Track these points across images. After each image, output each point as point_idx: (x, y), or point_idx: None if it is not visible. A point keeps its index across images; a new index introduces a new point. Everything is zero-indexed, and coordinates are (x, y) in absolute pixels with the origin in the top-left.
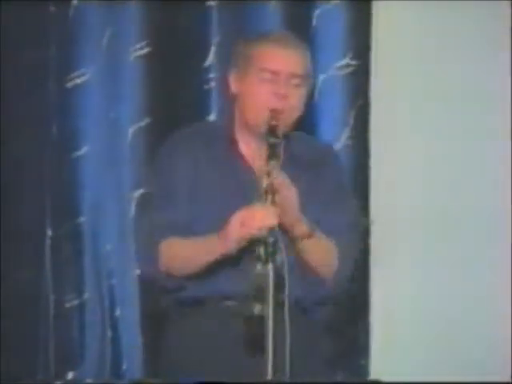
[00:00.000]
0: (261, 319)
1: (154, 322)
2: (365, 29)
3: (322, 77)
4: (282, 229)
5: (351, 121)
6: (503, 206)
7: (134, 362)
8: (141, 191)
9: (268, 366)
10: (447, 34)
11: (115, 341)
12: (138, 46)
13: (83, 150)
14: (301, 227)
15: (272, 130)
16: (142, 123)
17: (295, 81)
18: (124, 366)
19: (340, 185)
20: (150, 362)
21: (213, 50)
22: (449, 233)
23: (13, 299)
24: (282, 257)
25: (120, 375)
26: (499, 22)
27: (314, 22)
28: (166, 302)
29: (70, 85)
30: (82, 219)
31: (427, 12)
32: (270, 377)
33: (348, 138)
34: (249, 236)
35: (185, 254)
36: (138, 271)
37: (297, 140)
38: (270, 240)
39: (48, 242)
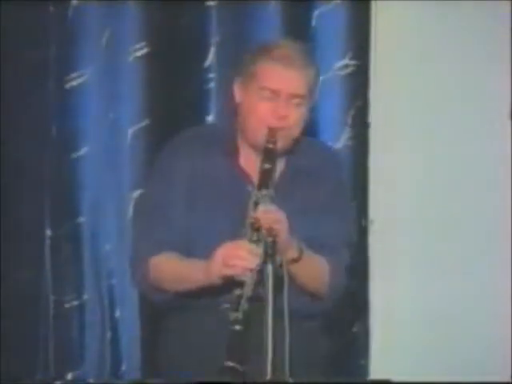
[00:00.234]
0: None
1: (154, 322)
2: (364, 29)
3: (321, 77)
4: None
5: (351, 121)
6: (503, 205)
7: (133, 362)
8: (140, 191)
9: (268, 365)
10: (447, 34)
11: (115, 341)
12: (137, 46)
13: (83, 151)
14: (288, 253)
15: (267, 154)
16: (142, 124)
17: (296, 100)
18: (123, 367)
19: (338, 196)
20: (149, 363)
21: (212, 50)
22: (448, 232)
23: (12, 299)
24: (280, 258)
25: (119, 375)
26: (499, 22)
27: (314, 22)
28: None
29: (69, 85)
30: (82, 219)
31: (427, 12)
32: (269, 377)
33: (347, 138)
34: (230, 275)
35: (171, 275)
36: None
37: (302, 149)
38: (270, 240)
39: (47, 242)
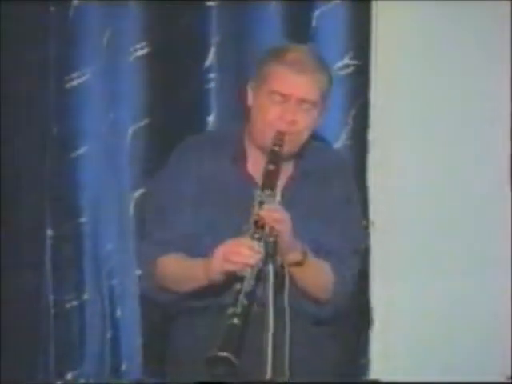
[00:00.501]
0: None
1: (154, 322)
2: (364, 29)
3: None
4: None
5: (351, 121)
6: (503, 206)
7: (133, 362)
8: (141, 191)
9: (268, 365)
10: (447, 34)
11: (115, 340)
12: (137, 46)
13: (83, 150)
14: (291, 255)
15: (272, 156)
16: (142, 123)
17: (306, 106)
18: (124, 366)
19: (347, 201)
20: (149, 362)
21: (212, 50)
22: (449, 233)
23: (13, 299)
24: (280, 259)
25: (120, 375)
26: (499, 22)
27: (314, 22)
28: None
29: (69, 85)
30: (83, 219)
31: (427, 12)
32: (269, 377)
33: (347, 138)
34: (231, 271)
35: (175, 275)
36: (138, 271)
37: (310, 153)
38: (271, 240)
39: (48, 241)
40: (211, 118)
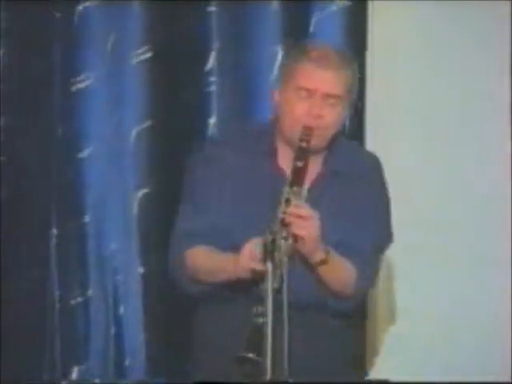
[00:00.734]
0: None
1: (157, 318)
2: (361, 34)
3: None
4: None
5: (347, 122)
6: (503, 205)
7: (136, 357)
8: (144, 191)
9: (267, 365)
10: (446, 35)
11: (119, 336)
12: (140, 50)
13: (88, 151)
14: (317, 254)
15: (300, 152)
16: (145, 125)
17: (331, 101)
18: (127, 361)
19: (374, 201)
20: (152, 358)
21: (213, 54)
22: (449, 233)
23: (20, 295)
24: (280, 257)
25: (123, 370)
26: (499, 22)
27: (312, 27)
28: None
29: (75, 88)
30: (87, 218)
31: (426, 12)
32: (269, 376)
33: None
34: (257, 270)
35: (206, 267)
36: (141, 269)
37: (340, 151)
38: (270, 238)
39: (54, 240)
40: (212, 120)
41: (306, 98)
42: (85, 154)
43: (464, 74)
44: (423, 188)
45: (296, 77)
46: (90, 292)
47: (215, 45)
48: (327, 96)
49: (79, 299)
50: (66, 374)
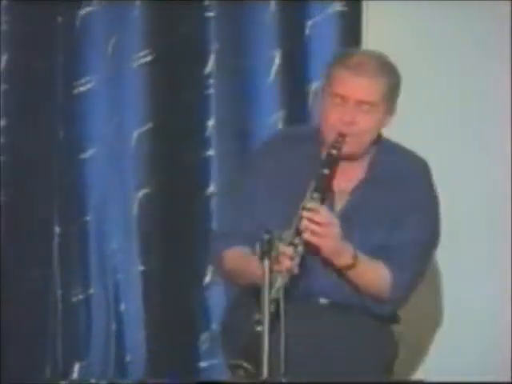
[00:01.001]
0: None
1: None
2: (355, 37)
3: (315, 83)
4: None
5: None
6: (503, 205)
7: (137, 354)
8: (144, 191)
9: (264, 365)
10: (446, 35)
11: (119, 333)
12: (141, 54)
13: (89, 153)
14: (340, 260)
15: (328, 159)
16: (145, 127)
17: (365, 107)
18: (127, 358)
19: (417, 207)
20: (152, 354)
21: (212, 57)
22: (448, 231)
23: (22, 294)
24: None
25: (124, 366)
26: (499, 22)
27: (307, 31)
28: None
29: (77, 91)
30: (89, 218)
31: (422, 17)
32: (265, 376)
33: None
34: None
35: (237, 269)
36: (141, 267)
37: (386, 155)
38: (266, 237)
39: (56, 239)
40: (211, 122)
41: (340, 104)
42: (87, 155)
43: (464, 74)
44: None
45: (332, 83)
46: (91, 290)
47: (214, 48)
48: (360, 103)
49: (81, 297)
50: (67, 371)
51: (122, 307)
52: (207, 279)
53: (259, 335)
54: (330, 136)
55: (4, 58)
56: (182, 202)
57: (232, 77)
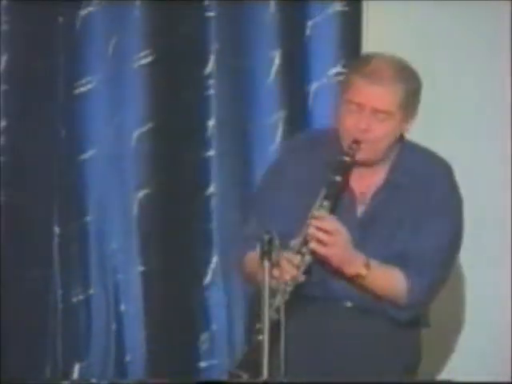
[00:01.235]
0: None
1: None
2: (355, 38)
3: (315, 83)
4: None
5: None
6: (503, 205)
7: (137, 354)
8: (144, 192)
9: (264, 366)
10: (445, 35)
11: (119, 333)
12: (141, 54)
13: (90, 153)
14: (350, 268)
15: (340, 166)
16: (146, 127)
17: (381, 116)
18: (127, 358)
19: (437, 213)
20: (152, 354)
21: (212, 58)
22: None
23: (23, 294)
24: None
25: (123, 366)
26: (499, 22)
27: (308, 31)
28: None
29: (77, 91)
30: (89, 218)
31: (422, 17)
32: (265, 376)
33: None
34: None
35: (253, 273)
36: (141, 268)
37: (408, 160)
38: (267, 237)
39: (56, 239)
40: (211, 123)
41: (356, 111)
42: (87, 155)
43: (464, 74)
44: None
45: (348, 90)
46: (91, 290)
47: (214, 48)
48: (376, 111)
49: (81, 297)
50: (67, 371)
51: (122, 307)
52: (207, 279)
53: (260, 344)
54: (346, 142)
55: (4, 58)
56: (182, 202)
57: (232, 77)
